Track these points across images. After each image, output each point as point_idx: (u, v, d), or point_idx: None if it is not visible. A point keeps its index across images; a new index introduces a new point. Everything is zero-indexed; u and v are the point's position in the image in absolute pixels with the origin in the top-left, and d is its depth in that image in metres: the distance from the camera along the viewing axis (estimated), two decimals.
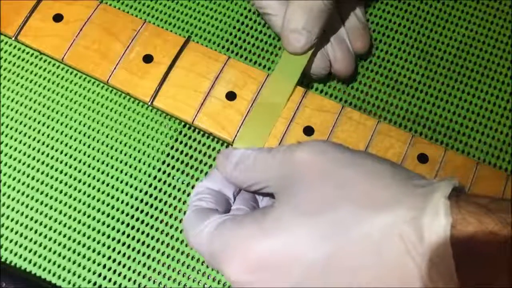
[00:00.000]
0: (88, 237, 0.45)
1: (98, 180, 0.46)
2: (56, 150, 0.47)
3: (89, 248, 0.45)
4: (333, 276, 0.31)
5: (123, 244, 0.45)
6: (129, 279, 0.44)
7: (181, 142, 0.47)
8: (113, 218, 0.46)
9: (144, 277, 0.44)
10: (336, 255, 0.31)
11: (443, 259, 0.29)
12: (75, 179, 0.46)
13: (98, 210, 0.46)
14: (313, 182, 0.33)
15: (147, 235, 0.45)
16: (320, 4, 0.43)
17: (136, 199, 0.46)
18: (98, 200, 0.46)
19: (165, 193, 0.46)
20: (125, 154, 0.47)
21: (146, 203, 0.46)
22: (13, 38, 0.46)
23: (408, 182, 0.32)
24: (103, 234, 0.45)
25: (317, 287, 0.31)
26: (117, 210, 0.46)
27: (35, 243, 0.45)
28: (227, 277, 0.34)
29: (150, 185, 0.46)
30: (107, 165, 0.47)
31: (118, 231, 0.45)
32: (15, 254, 0.45)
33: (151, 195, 0.46)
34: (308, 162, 0.34)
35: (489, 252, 0.29)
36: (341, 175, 0.33)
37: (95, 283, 0.44)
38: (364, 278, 0.30)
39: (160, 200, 0.46)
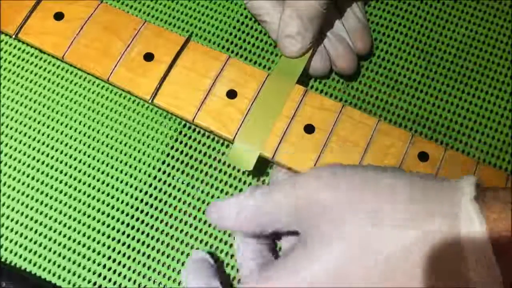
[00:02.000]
0: (88, 237, 0.45)
1: (98, 180, 0.46)
2: (56, 150, 0.47)
3: (89, 248, 0.45)
4: None
5: (123, 244, 0.45)
6: (129, 279, 0.44)
7: (181, 142, 0.47)
8: (113, 218, 0.45)
9: (144, 277, 0.44)
10: (374, 276, 0.31)
11: (486, 263, 0.30)
12: (75, 179, 0.46)
13: (98, 210, 0.46)
14: (337, 212, 0.33)
15: (147, 235, 0.45)
16: (314, 8, 0.43)
17: (136, 199, 0.46)
18: (98, 200, 0.46)
19: (165, 193, 0.46)
20: (125, 154, 0.47)
21: (146, 203, 0.46)
22: (13, 37, 0.46)
23: (430, 191, 0.33)
24: (103, 234, 0.45)
25: None
26: (117, 210, 0.46)
27: (35, 243, 0.45)
28: None
29: (150, 185, 0.46)
30: (107, 165, 0.47)
31: (118, 231, 0.45)
32: (15, 254, 0.45)
33: (151, 195, 0.46)
34: (323, 193, 0.34)
35: None
36: (361, 202, 0.33)
37: (95, 283, 0.44)
38: None
39: (160, 200, 0.46)
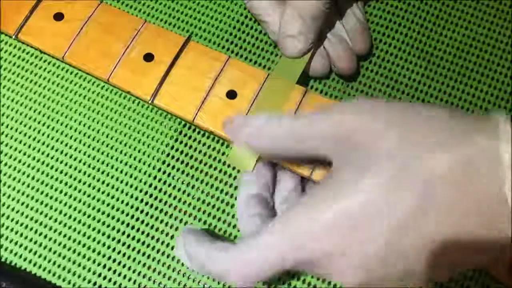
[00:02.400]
0: (88, 237, 0.45)
1: (98, 180, 0.46)
2: (56, 150, 0.47)
3: (89, 248, 0.45)
4: (424, 225, 0.31)
5: (123, 244, 0.45)
6: (129, 279, 0.44)
7: (181, 142, 0.47)
8: (113, 218, 0.45)
9: (144, 277, 0.44)
10: (421, 204, 0.31)
11: None
12: (75, 179, 0.46)
13: (98, 210, 0.46)
14: (377, 141, 0.33)
15: (147, 235, 0.45)
16: (316, 7, 0.43)
17: (136, 199, 0.46)
18: (98, 200, 0.46)
19: (165, 193, 0.46)
20: (125, 154, 0.47)
21: (146, 203, 0.46)
22: (13, 37, 0.46)
23: (469, 118, 0.33)
24: (103, 234, 0.45)
25: (413, 240, 0.32)
26: (117, 210, 0.46)
27: (35, 243, 0.45)
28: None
29: (150, 185, 0.46)
30: (107, 165, 0.47)
31: (118, 231, 0.45)
32: (15, 254, 0.45)
33: (151, 195, 0.46)
34: (363, 122, 0.34)
35: None
36: (402, 129, 0.33)
37: (95, 283, 0.44)
38: (456, 216, 0.31)
39: (160, 200, 0.46)
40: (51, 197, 0.46)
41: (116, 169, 0.47)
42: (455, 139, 0.32)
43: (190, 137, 0.47)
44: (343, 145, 0.34)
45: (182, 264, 0.44)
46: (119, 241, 0.45)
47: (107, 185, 0.46)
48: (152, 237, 0.45)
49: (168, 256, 0.45)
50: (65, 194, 0.46)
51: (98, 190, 0.46)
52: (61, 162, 0.47)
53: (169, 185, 0.46)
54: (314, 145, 0.36)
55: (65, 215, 0.46)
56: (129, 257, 0.45)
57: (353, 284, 0.33)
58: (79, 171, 0.47)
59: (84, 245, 0.45)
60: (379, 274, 0.33)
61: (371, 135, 0.33)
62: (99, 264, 0.44)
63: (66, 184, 0.46)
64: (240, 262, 0.35)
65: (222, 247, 0.37)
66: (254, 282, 0.35)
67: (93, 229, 0.45)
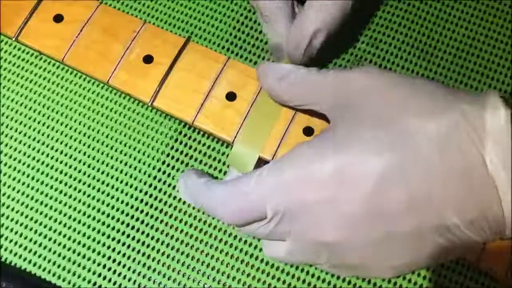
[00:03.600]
0: (88, 237, 0.45)
1: (98, 180, 0.46)
2: (56, 150, 0.47)
3: (89, 248, 0.45)
4: (407, 181, 0.32)
5: (123, 244, 0.45)
6: (129, 279, 0.44)
7: (181, 142, 0.47)
8: (113, 218, 0.46)
9: (144, 277, 0.44)
10: (405, 161, 0.32)
11: (503, 145, 0.31)
12: (75, 179, 0.47)
13: (98, 210, 0.46)
14: (371, 102, 0.35)
15: (147, 235, 0.45)
16: (343, 7, 0.43)
17: (136, 199, 0.46)
18: (98, 200, 0.46)
19: (165, 193, 0.46)
20: (125, 154, 0.47)
21: (146, 203, 0.46)
22: (13, 39, 0.45)
23: (460, 91, 0.35)
24: (103, 234, 0.45)
25: (395, 196, 0.33)
26: (117, 210, 0.46)
27: (35, 243, 0.45)
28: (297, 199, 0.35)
29: (150, 185, 0.46)
30: (107, 165, 0.47)
31: (118, 231, 0.45)
32: (15, 254, 0.45)
33: (151, 195, 0.46)
34: (365, 84, 0.36)
35: None
36: (398, 94, 0.35)
37: (95, 283, 0.44)
38: (436, 177, 0.32)
39: (160, 200, 0.46)
40: (51, 197, 0.46)
41: (116, 169, 0.47)
42: (443, 105, 0.33)
43: (190, 137, 0.47)
44: (340, 102, 0.37)
45: (182, 264, 0.44)
46: (119, 241, 0.45)
47: (107, 185, 0.46)
48: (152, 237, 0.45)
49: (168, 256, 0.45)
50: (65, 194, 0.46)
51: (98, 190, 0.46)
52: (61, 162, 0.47)
53: (169, 185, 0.46)
54: (316, 99, 0.38)
55: (65, 215, 0.46)
56: (129, 257, 0.45)
57: (333, 238, 0.34)
58: (79, 171, 0.47)
59: (84, 245, 0.45)
60: (362, 233, 0.34)
61: (365, 98, 0.35)
62: (99, 264, 0.45)
63: (66, 184, 0.46)
64: (237, 192, 0.37)
65: (221, 181, 0.38)
66: (244, 219, 0.37)
67: (93, 229, 0.45)
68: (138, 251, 0.45)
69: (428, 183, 0.32)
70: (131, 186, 0.46)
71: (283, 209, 0.35)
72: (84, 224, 0.45)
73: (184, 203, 0.46)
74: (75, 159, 0.47)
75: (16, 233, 0.45)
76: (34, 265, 0.45)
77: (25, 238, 0.45)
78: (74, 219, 0.46)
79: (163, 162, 0.47)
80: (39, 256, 0.45)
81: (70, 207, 0.46)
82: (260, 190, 0.36)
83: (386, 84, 0.35)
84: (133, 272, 0.45)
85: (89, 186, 0.46)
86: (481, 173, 0.31)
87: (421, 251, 0.34)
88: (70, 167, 0.47)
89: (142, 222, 0.46)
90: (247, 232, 0.38)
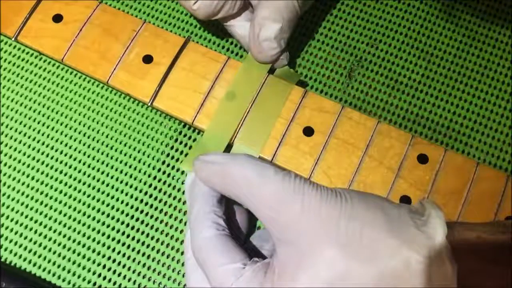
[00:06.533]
0: (88, 237, 0.45)
1: (98, 180, 0.46)
2: (56, 150, 0.47)
3: (89, 248, 0.45)
4: None
5: (123, 244, 0.45)
6: (129, 279, 0.44)
7: (181, 142, 0.47)
8: (113, 218, 0.46)
9: (144, 277, 0.44)
10: None
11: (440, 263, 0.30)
12: (75, 179, 0.47)
13: (98, 210, 0.46)
14: (314, 238, 0.32)
15: (147, 235, 0.45)
16: (291, 8, 0.43)
17: (136, 199, 0.46)
18: (98, 200, 0.46)
19: (165, 193, 0.46)
20: (125, 154, 0.47)
21: (146, 203, 0.46)
22: (13, 39, 0.46)
23: (406, 229, 0.32)
24: (103, 234, 0.45)
25: None
26: (117, 210, 0.46)
27: (35, 243, 0.45)
28: None
29: (150, 185, 0.46)
30: (107, 165, 0.47)
31: (118, 231, 0.45)
32: (15, 254, 0.45)
33: (151, 195, 0.46)
34: (303, 220, 0.32)
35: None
36: (340, 230, 0.32)
37: (95, 283, 0.44)
38: None
39: (160, 200, 0.46)
40: (51, 197, 0.46)
41: (116, 169, 0.47)
42: (384, 251, 0.31)
43: (190, 137, 0.47)
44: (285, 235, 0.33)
45: (182, 264, 0.44)
46: (118, 241, 0.45)
47: (107, 185, 0.46)
48: (152, 237, 0.45)
49: (168, 256, 0.45)
50: (65, 194, 0.46)
51: (98, 190, 0.46)
52: (61, 162, 0.47)
53: (169, 185, 0.46)
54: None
55: (65, 215, 0.46)
56: (129, 257, 0.45)
57: None
58: (79, 171, 0.47)
59: (84, 245, 0.45)
60: None
61: (314, 241, 0.32)
62: (99, 265, 0.45)
63: (66, 184, 0.46)
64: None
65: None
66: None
67: (93, 229, 0.45)
68: (138, 251, 0.45)
69: None
70: (131, 186, 0.46)
71: None
72: (84, 224, 0.45)
73: (184, 203, 0.46)
74: (75, 159, 0.47)
75: (16, 233, 0.45)
76: (34, 265, 0.45)
77: (25, 238, 0.45)
78: (74, 219, 0.46)
79: (163, 162, 0.47)
80: (39, 256, 0.45)
81: (70, 207, 0.46)
82: None
83: (325, 221, 0.32)
84: (133, 272, 0.44)
85: (89, 186, 0.46)
86: None
87: None
88: (70, 167, 0.47)
89: (142, 222, 0.45)
90: None
